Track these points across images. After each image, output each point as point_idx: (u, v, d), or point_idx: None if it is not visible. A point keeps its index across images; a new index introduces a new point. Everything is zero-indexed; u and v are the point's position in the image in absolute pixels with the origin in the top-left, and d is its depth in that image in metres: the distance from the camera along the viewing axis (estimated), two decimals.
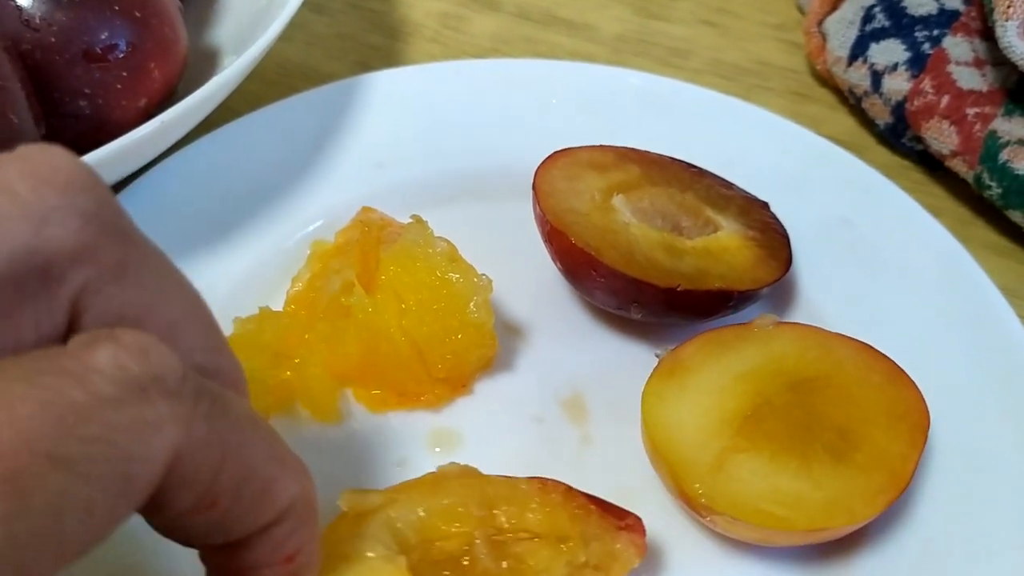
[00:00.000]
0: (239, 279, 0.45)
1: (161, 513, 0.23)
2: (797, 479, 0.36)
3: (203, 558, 0.28)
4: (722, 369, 0.39)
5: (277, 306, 0.43)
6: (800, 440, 0.37)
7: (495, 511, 0.34)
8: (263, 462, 0.25)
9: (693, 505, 0.36)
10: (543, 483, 0.35)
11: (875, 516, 0.35)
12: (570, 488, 0.35)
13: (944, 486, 0.38)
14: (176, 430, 0.22)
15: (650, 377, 0.39)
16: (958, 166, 0.50)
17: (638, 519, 0.35)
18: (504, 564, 0.34)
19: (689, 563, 0.38)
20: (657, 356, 0.40)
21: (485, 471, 0.36)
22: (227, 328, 0.41)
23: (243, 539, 0.26)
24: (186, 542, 0.26)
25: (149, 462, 0.21)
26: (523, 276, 0.46)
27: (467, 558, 0.34)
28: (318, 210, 0.48)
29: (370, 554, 0.32)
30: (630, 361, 0.43)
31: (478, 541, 0.34)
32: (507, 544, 0.34)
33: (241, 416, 0.25)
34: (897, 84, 0.52)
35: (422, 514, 0.34)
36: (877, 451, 0.36)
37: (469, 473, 0.36)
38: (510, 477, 0.36)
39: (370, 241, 0.43)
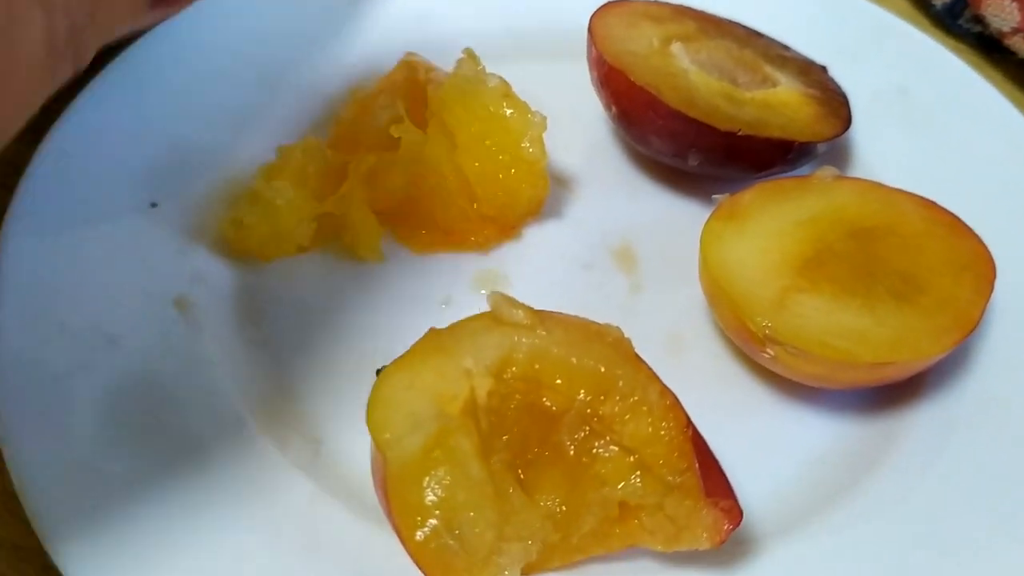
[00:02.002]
0: (280, 119, 0.44)
1: None
2: (860, 316, 0.35)
3: None
4: (782, 215, 0.38)
5: None
6: (863, 283, 0.36)
7: (608, 397, 0.31)
8: None
9: (755, 340, 0.35)
10: (675, 402, 0.31)
11: (942, 355, 0.34)
12: (697, 432, 0.31)
13: (1005, 342, 0.37)
14: None
15: (709, 218, 0.38)
16: (1018, 43, 0.49)
17: (738, 509, 0.30)
18: (572, 450, 0.31)
19: (741, 409, 0.37)
20: (715, 200, 0.39)
21: None
22: (271, 157, 0.39)
23: None
24: None
25: None
26: (574, 130, 0.45)
27: (547, 420, 0.31)
28: (360, 58, 0.46)
29: (463, 361, 0.31)
30: (682, 215, 0.42)
31: (572, 413, 0.31)
32: (593, 435, 0.31)
33: None
34: None
35: (544, 356, 0.32)
36: (943, 295, 0.35)
37: (623, 345, 0.32)
38: (655, 376, 0.32)
39: (417, 80, 0.42)
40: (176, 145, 0.41)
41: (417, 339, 0.33)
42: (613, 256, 0.41)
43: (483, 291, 0.40)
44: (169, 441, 0.33)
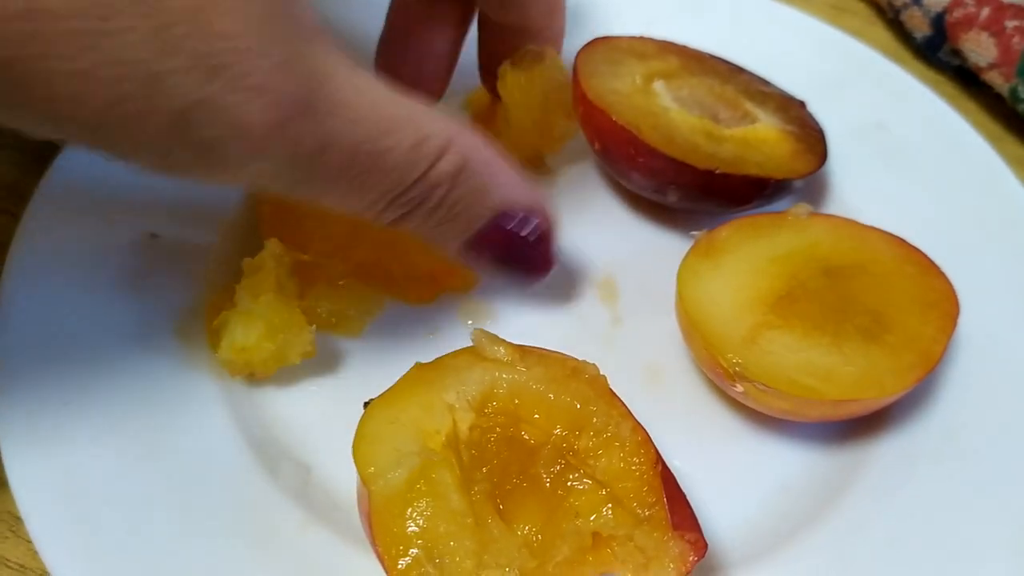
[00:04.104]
0: None
1: None
2: (829, 354, 0.36)
3: None
4: (757, 251, 0.40)
5: None
6: (832, 320, 0.37)
7: (583, 432, 0.33)
8: None
9: (726, 375, 0.36)
10: (646, 438, 0.33)
11: (903, 392, 0.36)
12: (666, 468, 0.33)
13: (969, 377, 0.39)
14: None
15: (686, 255, 0.39)
16: (994, 78, 0.50)
17: (703, 542, 0.31)
18: (548, 482, 0.33)
19: (714, 439, 0.39)
20: (693, 236, 0.40)
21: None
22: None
23: None
24: None
25: None
26: (559, 163, 0.46)
27: (525, 453, 0.33)
28: None
29: (446, 396, 0.33)
30: (663, 248, 0.43)
31: (549, 447, 0.33)
32: (568, 468, 0.33)
33: None
34: None
35: (523, 392, 0.33)
36: (908, 334, 0.37)
37: (599, 382, 0.34)
38: (629, 412, 0.34)
39: None
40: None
41: (404, 370, 0.34)
42: (595, 288, 0.43)
43: (469, 321, 0.41)
44: (165, 467, 0.35)
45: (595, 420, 0.33)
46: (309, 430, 0.37)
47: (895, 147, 0.47)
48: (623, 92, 0.42)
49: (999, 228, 0.43)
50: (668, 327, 0.40)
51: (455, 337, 0.40)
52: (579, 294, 0.42)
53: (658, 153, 0.40)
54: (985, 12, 0.50)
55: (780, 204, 0.43)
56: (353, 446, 0.32)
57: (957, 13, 0.51)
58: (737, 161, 0.41)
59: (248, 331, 0.37)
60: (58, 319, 0.38)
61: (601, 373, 0.34)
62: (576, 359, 0.35)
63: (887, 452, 0.37)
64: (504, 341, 0.34)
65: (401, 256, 0.41)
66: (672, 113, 0.42)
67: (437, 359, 0.34)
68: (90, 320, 0.38)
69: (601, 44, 0.45)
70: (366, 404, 0.33)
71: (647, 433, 0.33)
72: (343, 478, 0.35)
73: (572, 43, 0.45)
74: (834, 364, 0.36)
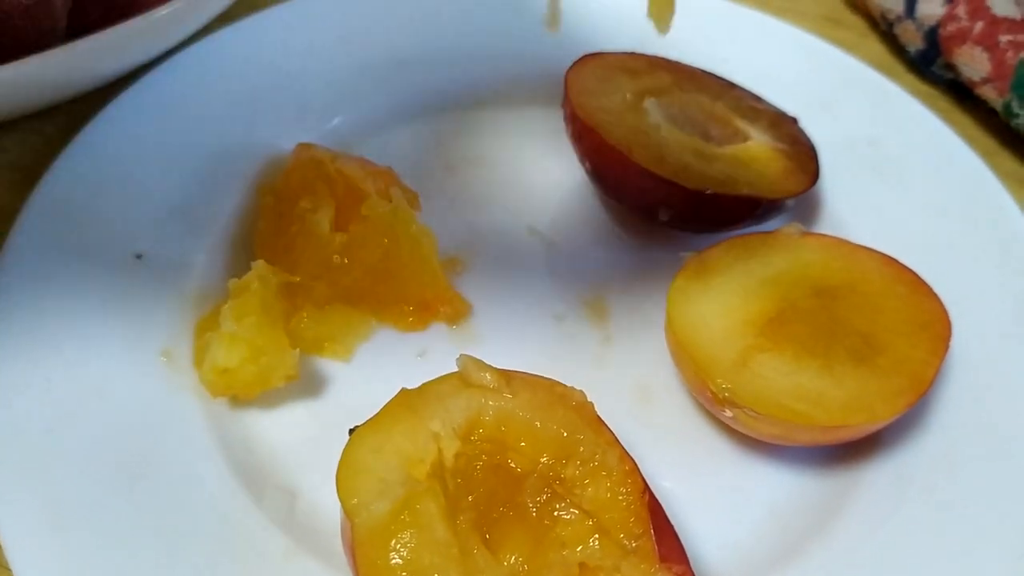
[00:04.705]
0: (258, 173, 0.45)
1: None
2: (819, 378, 0.36)
3: None
4: (747, 272, 0.39)
5: None
6: (823, 343, 0.37)
7: (570, 461, 0.33)
8: None
9: (716, 400, 0.36)
10: (633, 467, 0.32)
11: (894, 417, 0.35)
12: (654, 498, 0.32)
13: (962, 400, 0.38)
14: None
15: (676, 276, 0.39)
16: (988, 93, 0.50)
17: (691, 574, 0.31)
18: (535, 511, 0.32)
19: (704, 461, 0.38)
20: (683, 257, 0.40)
21: (504, 365, 0.35)
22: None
23: None
24: None
25: None
26: (549, 181, 0.46)
27: (512, 481, 0.32)
28: (340, 105, 0.47)
29: (431, 424, 0.32)
30: (654, 267, 0.43)
31: (535, 475, 0.32)
32: (554, 497, 0.32)
33: None
34: (931, 9, 0.51)
35: (510, 419, 0.33)
36: (899, 356, 0.37)
37: (586, 409, 0.33)
38: (616, 440, 0.33)
39: (329, 175, 0.42)
40: (161, 197, 0.43)
41: (391, 394, 0.34)
42: (585, 307, 0.42)
43: (457, 343, 0.41)
44: (149, 493, 0.34)
45: (582, 449, 0.33)
46: (295, 455, 0.37)
47: (887, 163, 0.46)
48: (614, 110, 0.42)
49: (993, 246, 0.43)
50: (658, 347, 0.40)
51: (443, 360, 0.40)
52: (569, 313, 0.42)
53: (649, 173, 0.40)
54: (979, 26, 0.50)
55: (772, 223, 0.43)
56: (337, 476, 0.31)
57: (951, 27, 0.50)
58: (728, 181, 0.41)
59: (230, 353, 0.36)
60: (43, 339, 0.37)
61: (588, 399, 0.34)
62: (563, 385, 0.34)
63: (878, 476, 0.37)
64: (490, 367, 0.34)
65: (392, 282, 0.41)
66: (663, 131, 0.42)
67: (422, 385, 0.34)
68: (75, 341, 0.38)
69: (592, 61, 0.45)
70: (351, 431, 0.33)
71: (634, 462, 0.33)
72: (329, 505, 0.35)
73: (563, 59, 0.45)
74: (824, 388, 0.36)
